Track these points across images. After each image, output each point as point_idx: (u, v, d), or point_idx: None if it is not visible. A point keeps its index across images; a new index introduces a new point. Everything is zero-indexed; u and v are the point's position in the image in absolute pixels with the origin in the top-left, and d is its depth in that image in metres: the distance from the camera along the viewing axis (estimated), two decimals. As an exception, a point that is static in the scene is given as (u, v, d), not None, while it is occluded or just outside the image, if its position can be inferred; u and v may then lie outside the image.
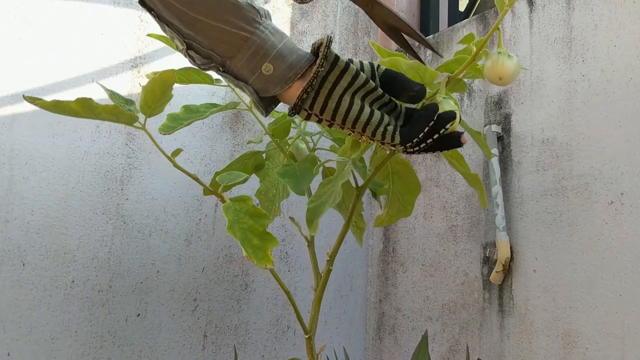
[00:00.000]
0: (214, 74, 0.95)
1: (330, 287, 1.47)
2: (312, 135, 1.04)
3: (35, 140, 1.02)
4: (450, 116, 0.61)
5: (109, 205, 1.11)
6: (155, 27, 1.09)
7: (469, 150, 1.38)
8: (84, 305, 1.06)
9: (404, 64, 0.70)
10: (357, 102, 0.59)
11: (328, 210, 1.49)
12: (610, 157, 1.11)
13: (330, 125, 0.62)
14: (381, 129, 0.60)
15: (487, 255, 1.29)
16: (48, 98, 1.06)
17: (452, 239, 1.38)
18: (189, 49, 0.60)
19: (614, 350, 1.05)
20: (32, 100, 0.69)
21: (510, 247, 1.24)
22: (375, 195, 0.97)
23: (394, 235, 1.53)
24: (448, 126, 0.61)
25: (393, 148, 0.62)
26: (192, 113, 0.90)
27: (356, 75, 0.59)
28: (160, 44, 1.20)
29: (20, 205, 0.99)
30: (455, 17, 1.75)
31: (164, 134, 0.85)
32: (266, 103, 0.62)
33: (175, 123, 0.86)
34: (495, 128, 1.31)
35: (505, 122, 1.32)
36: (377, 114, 0.60)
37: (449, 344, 1.34)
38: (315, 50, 0.61)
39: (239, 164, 1.01)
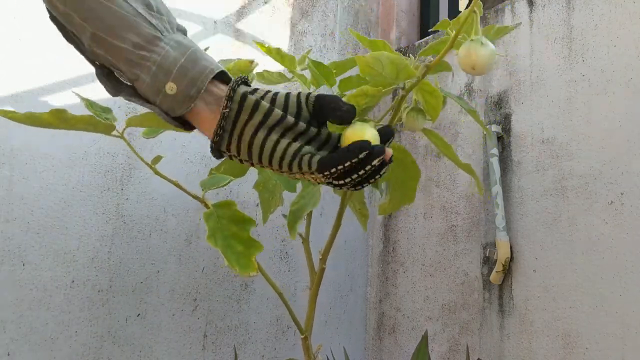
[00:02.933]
0: None
1: (330, 287, 1.47)
2: None
3: (35, 140, 1.02)
4: (379, 152, 0.56)
5: (109, 205, 1.11)
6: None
7: (469, 150, 1.38)
8: (84, 305, 1.05)
9: (385, 55, 0.67)
10: (272, 138, 0.57)
11: (329, 206, 1.49)
12: (610, 157, 1.11)
13: (251, 165, 0.60)
14: (296, 161, 0.57)
15: (487, 255, 1.29)
16: (49, 98, 1.06)
17: (452, 239, 1.38)
18: (98, 71, 0.57)
19: (614, 350, 1.05)
20: (4, 113, 0.67)
21: (510, 247, 1.24)
22: (375, 185, 0.95)
23: (394, 235, 1.53)
24: (376, 162, 0.56)
25: (313, 177, 0.58)
26: None
27: (268, 113, 0.57)
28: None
29: (20, 205, 0.99)
30: (455, 17, 1.75)
31: (148, 138, 0.82)
32: (180, 122, 0.59)
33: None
34: (495, 128, 1.31)
35: (505, 122, 1.32)
36: (294, 146, 0.57)
37: (449, 344, 1.34)
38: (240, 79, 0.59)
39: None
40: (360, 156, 0.55)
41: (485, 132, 0.88)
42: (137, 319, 1.12)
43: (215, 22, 1.33)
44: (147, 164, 0.78)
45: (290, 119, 0.57)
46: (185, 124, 0.59)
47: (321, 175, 0.56)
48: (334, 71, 0.89)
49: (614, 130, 1.12)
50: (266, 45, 0.97)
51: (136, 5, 0.55)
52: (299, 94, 0.58)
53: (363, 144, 0.56)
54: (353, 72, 0.94)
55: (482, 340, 1.27)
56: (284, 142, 0.57)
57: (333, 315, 1.47)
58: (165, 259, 1.17)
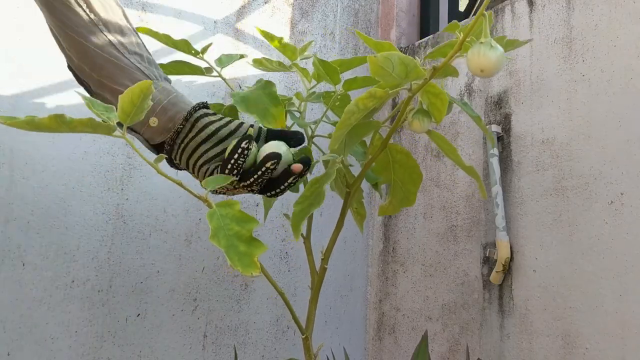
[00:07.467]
0: (203, 64, 0.97)
1: (330, 287, 1.47)
2: (311, 125, 0.98)
3: (35, 140, 1.02)
4: (270, 156, 0.69)
5: (109, 205, 1.11)
6: (154, 24, 1.09)
7: (469, 151, 1.38)
8: (84, 305, 1.06)
9: (396, 55, 0.68)
10: (206, 150, 0.73)
11: (329, 206, 1.49)
12: (610, 157, 1.11)
13: (193, 173, 0.76)
14: (209, 171, 0.73)
15: (487, 255, 1.29)
16: (50, 98, 1.06)
17: (452, 239, 1.38)
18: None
19: (614, 350, 1.05)
20: (4, 120, 0.67)
21: (510, 247, 1.24)
22: (375, 186, 0.95)
23: (394, 235, 1.53)
24: (269, 165, 0.69)
25: (235, 189, 0.74)
26: None
27: (212, 134, 0.72)
28: (160, 44, 1.19)
29: (20, 205, 0.99)
30: (455, 17, 1.75)
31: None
32: (157, 149, 0.77)
33: None
34: (495, 128, 1.31)
35: (505, 122, 1.32)
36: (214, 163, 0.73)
37: (449, 344, 1.34)
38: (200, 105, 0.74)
39: None
40: (268, 165, 0.69)
41: (485, 134, 0.89)
42: (137, 319, 1.12)
43: (215, 22, 1.33)
44: (149, 163, 0.77)
45: (230, 142, 0.72)
46: (158, 150, 0.77)
47: (240, 181, 0.72)
48: (338, 68, 0.89)
49: (614, 130, 1.12)
50: (270, 33, 0.97)
51: (132, 59, 0.73)
52: (251, 125, 0.74)
53: (271, 154, 0.70)
54: (357, 71, 0.93)
55: (482, 340, 1.27)
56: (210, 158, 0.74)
57: (333, 315, 1.47)
58: (165, 259, 1.17)
